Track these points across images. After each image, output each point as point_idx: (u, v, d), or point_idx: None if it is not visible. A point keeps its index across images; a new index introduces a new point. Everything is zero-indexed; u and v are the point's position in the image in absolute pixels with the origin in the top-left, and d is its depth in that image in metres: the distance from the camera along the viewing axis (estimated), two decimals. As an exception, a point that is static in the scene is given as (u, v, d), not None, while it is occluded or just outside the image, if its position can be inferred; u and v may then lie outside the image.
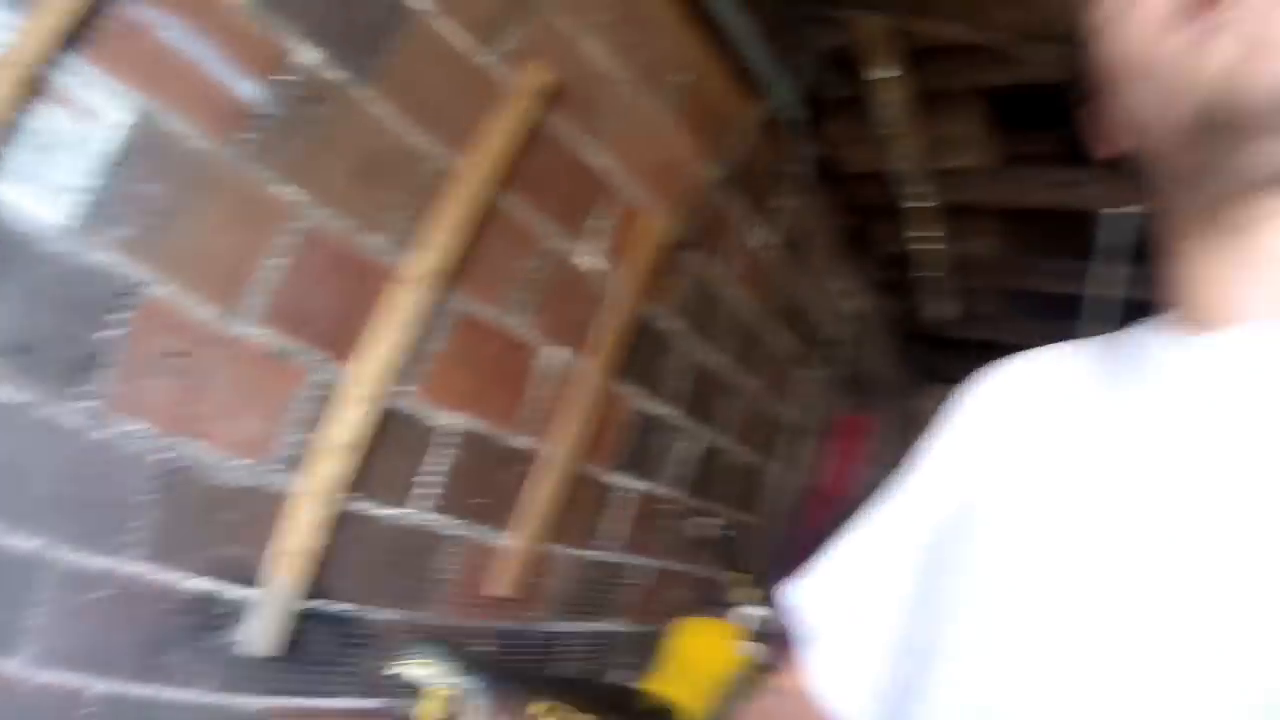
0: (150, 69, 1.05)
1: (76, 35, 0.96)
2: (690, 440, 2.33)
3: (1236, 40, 0.39)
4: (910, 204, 2.48)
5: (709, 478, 2.45)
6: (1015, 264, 2.86)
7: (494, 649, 1.74)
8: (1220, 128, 0.39)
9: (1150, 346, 0.48)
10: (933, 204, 2.47)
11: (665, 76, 1.89)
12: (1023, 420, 0.53)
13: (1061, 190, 2.18)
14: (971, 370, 0.62)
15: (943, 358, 3.71)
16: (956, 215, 2.58)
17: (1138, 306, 0.55)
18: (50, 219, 0.99)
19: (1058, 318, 2.28)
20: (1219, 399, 0.41)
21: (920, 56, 1.96)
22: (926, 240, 2.69)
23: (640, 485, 2.13)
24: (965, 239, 2.72)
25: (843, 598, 0.58)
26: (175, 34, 1.07)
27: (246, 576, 1.26)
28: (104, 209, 1.03)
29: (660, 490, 2.23)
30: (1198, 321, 0.45)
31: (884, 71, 1.96)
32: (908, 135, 2.13)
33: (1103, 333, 0.56)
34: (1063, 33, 1.80)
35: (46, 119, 0.97)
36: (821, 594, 0.60)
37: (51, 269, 1.00)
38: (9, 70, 0.91)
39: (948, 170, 2.29)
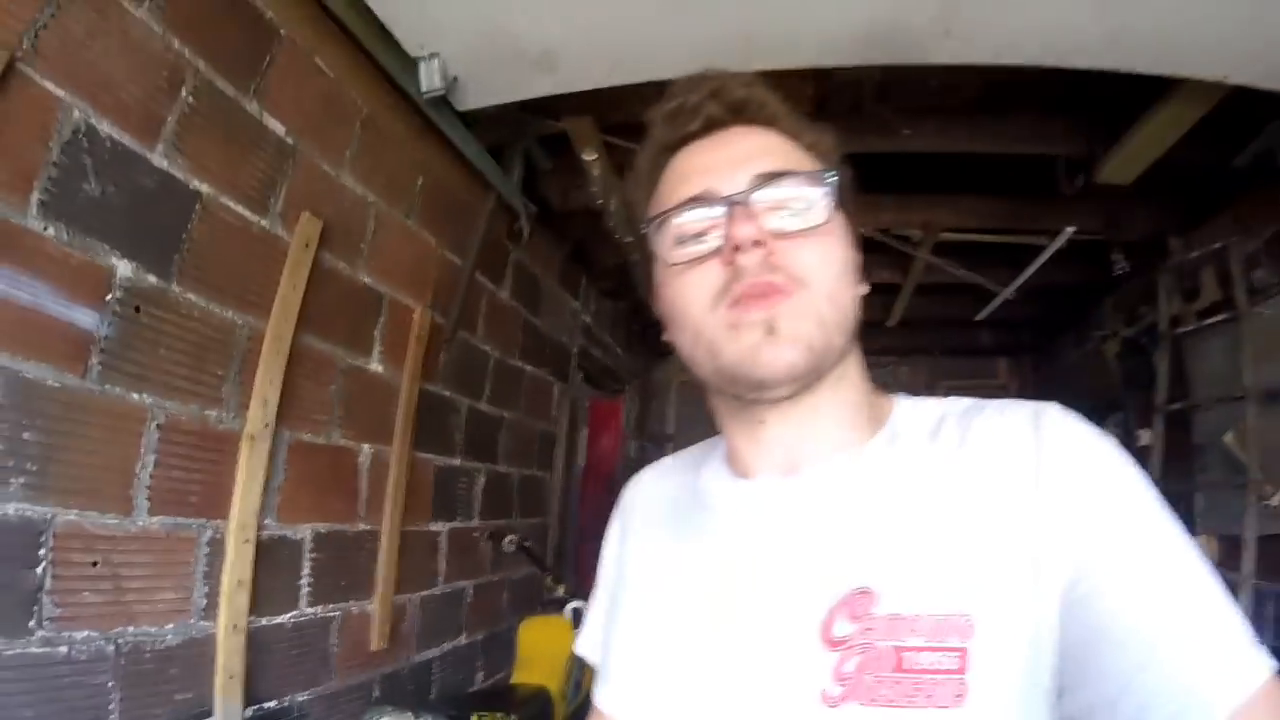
0: (-6, 327, 1.12)
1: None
2: (479, 476, 2.66)
3: (752, 334, 0.59)
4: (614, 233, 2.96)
5: (502, 500, 2.81)
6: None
7: (381, 691, 2.01)
8: (739, 381, 0.62)
9: (714, 478, 0.73)
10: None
11: (404, 186, 2.15)
12: (656, 523, 0.77)
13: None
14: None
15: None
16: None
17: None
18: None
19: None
20: (744, 519, 0.67)
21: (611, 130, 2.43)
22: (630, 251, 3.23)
23: (453, 524, 2.45)
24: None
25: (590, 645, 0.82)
26: (7, 283, 1.13)
27: (203, 710, 1.43)
28: (-4, 468, 1.11)
29: (470, 523, 2.56)
30: (737, 469, 0.70)
31: (589, 153, 2.42)
32: (609, 181, 2.60)
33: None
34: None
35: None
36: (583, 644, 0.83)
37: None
38: None
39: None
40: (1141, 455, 3.46)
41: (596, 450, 3.67)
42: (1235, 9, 1.63)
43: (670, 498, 0.77)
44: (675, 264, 0.64)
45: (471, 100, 1.98)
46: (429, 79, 1.84)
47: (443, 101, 1.97)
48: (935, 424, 0.65)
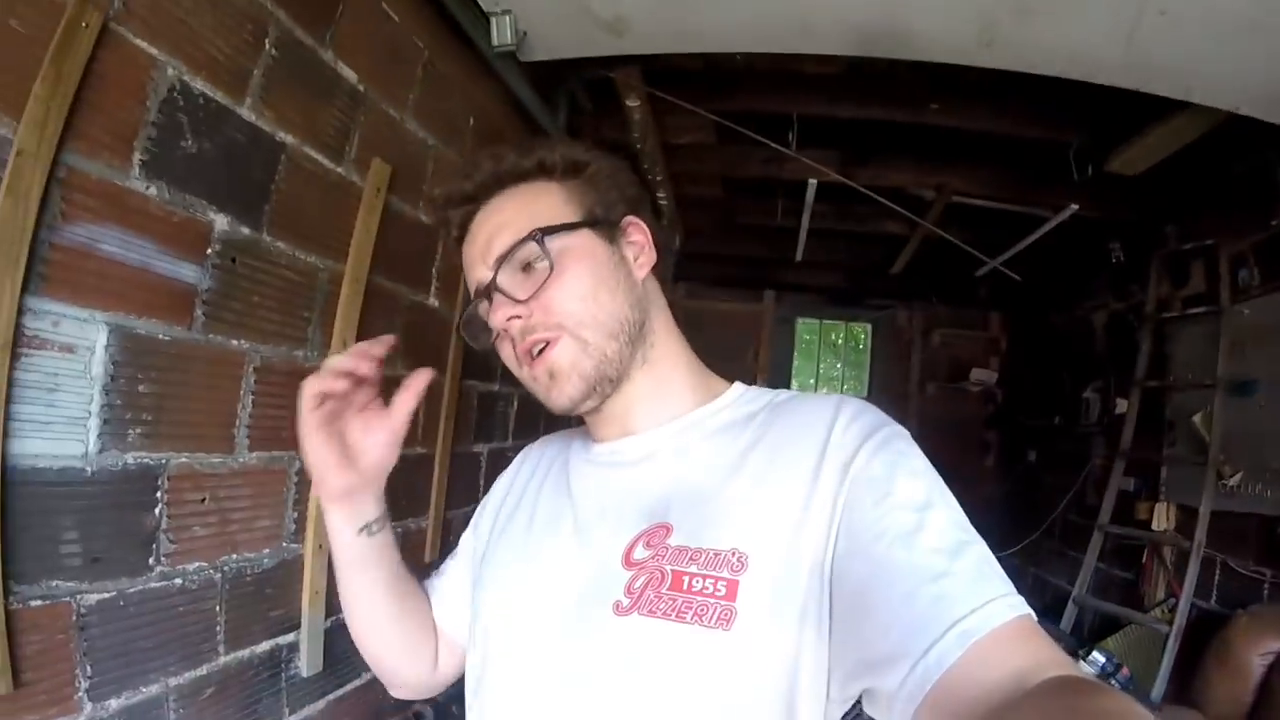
0: (105, 286, 1.09)
1: (30, 278, 0.96)
2: (514, 399, 2.69)
3: (542, 383, 0.72)
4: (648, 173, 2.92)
5: (532, 421, 2.85)
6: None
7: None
8: (557, 413, 0.75)
9: (580, 444, 0.84)
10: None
11: (458, 128, 2.07)
12: (540, 470, 0.87)
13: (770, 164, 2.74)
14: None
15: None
16: (678, 179, 3.08)
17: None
18: (78, 450, 1.06)
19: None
20: (602, 462, 0.78)
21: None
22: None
23: (491, 445, 2.50)
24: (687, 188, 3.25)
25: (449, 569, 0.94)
26: (115, 245, 1.10)
27: (292, 624, 1.50)
28: (115, 423, 1.11)
29: (505, 444, 2.62)
30: (595, 436, 0.80)
31: (632, 100, 2.34)
32: (648, 131, 2.53)
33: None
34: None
35: (37, 367, 0.99)
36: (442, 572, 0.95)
37: (92, 489, 1.08)
38: None
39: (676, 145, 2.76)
40: (1116, 422, 3.58)
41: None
42: (1250, 49, 1.66)
43: (551, 457, 0.88)
44: (488, 347, 0.78)
45: (538, 54, 1.90)
46: (501, 34, 1.75)
47: (510, 54, 1.87)
48: (757, 405, 0.74)
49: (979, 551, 0.55)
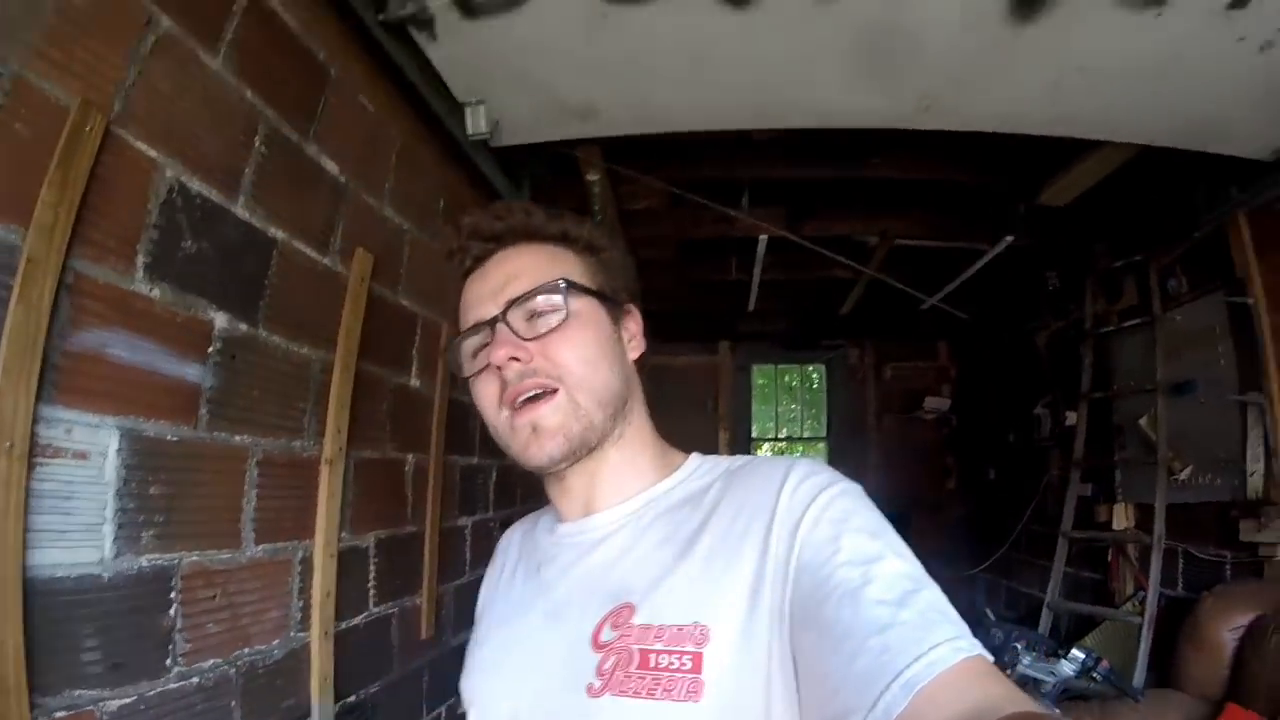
0: (115, 390, 1.06)
1: (42, 385, 0.94)
2: (492, 471, 2.67)
3: (523, 434, 0.71)
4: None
5: (509, 491, 2.82)
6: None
7: (430, 675, 2.03)
8: (524, 466, 0.73)
9: (545, 526, 0.84)
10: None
11: (430, 210, 2.10)
12: (513, 561, 0.87)
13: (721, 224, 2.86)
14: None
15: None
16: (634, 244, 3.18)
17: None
18: (94, 557, 1.02)
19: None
20: (565, 546, 0.77)
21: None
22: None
23: (475, 518, 2.46)
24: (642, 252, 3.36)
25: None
26: (123, 349, 1.08)
27: (303, 712, 1.44)
28: (129, 526, 1.07)
29: (487, 515, 2.57)
30: (560, 516, 0.80)
31: (592, 174, 2.43)
32: (607, 202, 2.60)
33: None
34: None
35: (52, 476, 0.96)
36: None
37: (110, 594, 1.04)
38: (3, 451, 0.88)
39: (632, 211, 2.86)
40: (1068, 434, 3.76)
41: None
42: (1159, 90, 1.85)
43: (520, 545, 0.88)
44: (469, 375, 0.75)
45: (507, 139, 1.97)
46: (475, 123, 1.82)
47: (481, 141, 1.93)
48: (712, 476, 0.75)
49: (926, 598, 0.54)
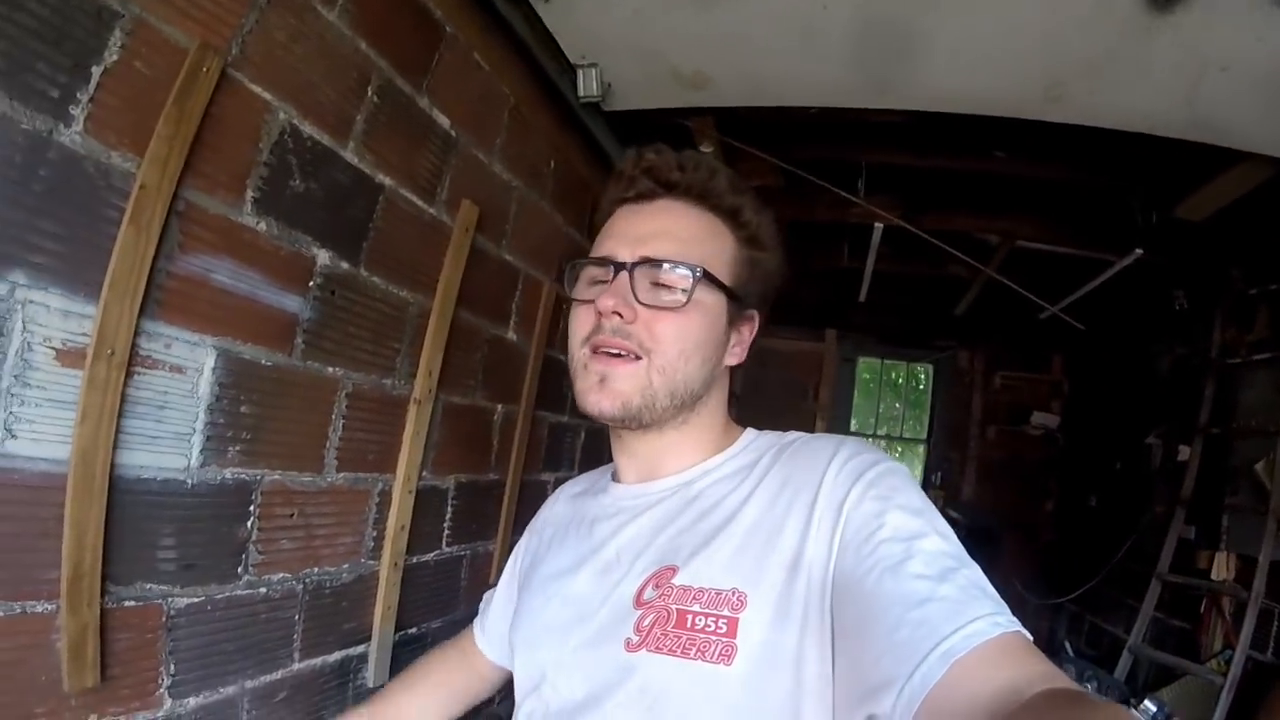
0: (215, 313, 1.10)
1: (146, 302, 0.97)
2: (581, 431, 2.64)
3: (591, 378, 0.71)
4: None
5: (597, 452, 2.77)
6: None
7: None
8: (578, 404, 0.74)
9: (602, 486, 0.85)
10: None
11: (540, 170, 2.08)
12: (563, 518, 0.89)
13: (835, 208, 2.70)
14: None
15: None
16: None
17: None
18: (180, 464, 1.06)
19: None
20: (620, 507, 0.78)
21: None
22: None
23: (558, 474, 2.45)
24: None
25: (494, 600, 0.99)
26: (226, 276, 1.12)
27: (363, 636, 1.48)
28: (216, 440, 1.11)
29: (573, 473, 2.56)
30: (618, 476, 0.83)
31: (706, 146, 2.33)
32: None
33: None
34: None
35: (148, 385, 1.00)
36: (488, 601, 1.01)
37: (191, 500, 1.08)
38: (104, 357, 0.91)
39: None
40: (1178, 469, 3.32)
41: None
42: None
43: (573, 504, 0.89)
44: (573, 299, 0.75)
45: (619, 104, 1.90)
46: (587, 86, 1.76)
47: (593, 104, 1.87)
48: (764, 449, 0.74)
49: (967, 575, 0.54)
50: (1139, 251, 2.74)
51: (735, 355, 0.78)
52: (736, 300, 0.75)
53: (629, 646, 0.64)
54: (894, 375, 5.68)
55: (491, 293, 1.89)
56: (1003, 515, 4.44)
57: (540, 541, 0.91)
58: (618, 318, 0.69)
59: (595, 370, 0.71)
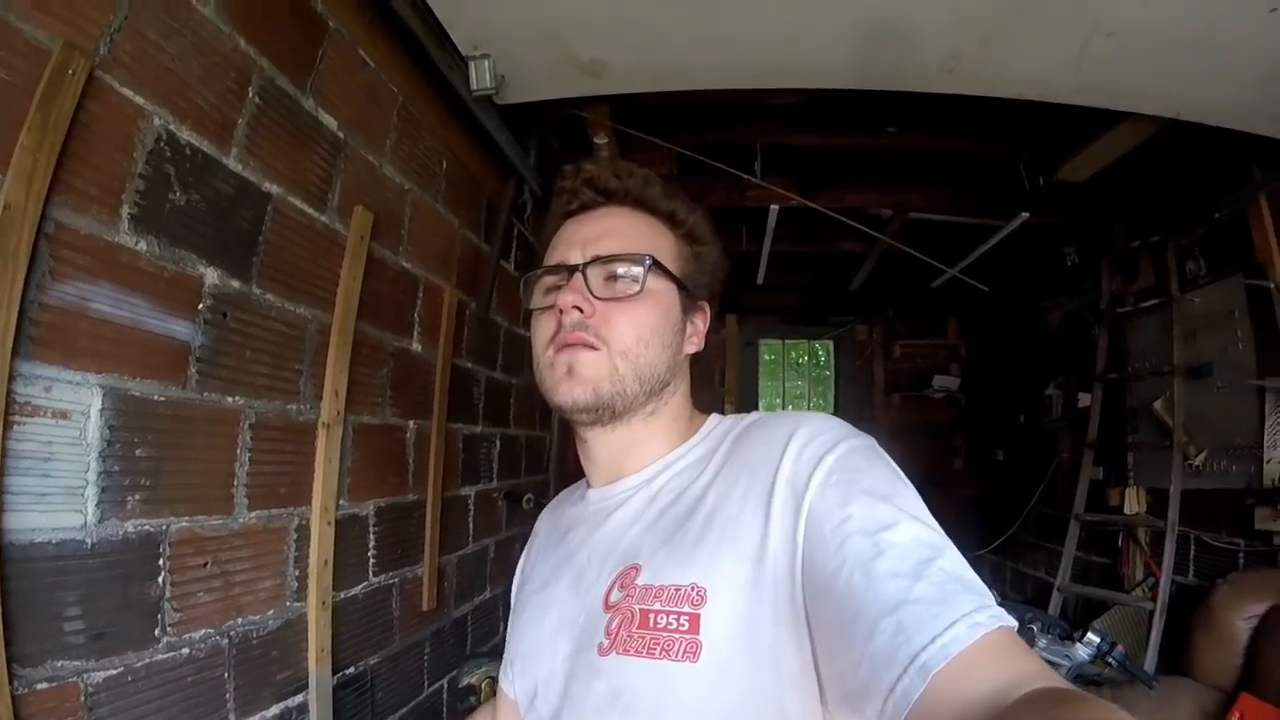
0: (97, 347, 1.01)
1: (19, 340, 0.88)
2: (496, 441, 2.60)
3: (559, 371, 0.72)
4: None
5: (512, 461, 2.76)
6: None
7: (431, 647, 2.00)
8: (551, 403, 0.75)
9: (577, 497, 0.86)
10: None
11: (432, 171, 2.02)
12: (546, 532, 0.90)
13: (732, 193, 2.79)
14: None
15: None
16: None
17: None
18: (76, 521, 0.97)
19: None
20: (590, 513, 0.79)
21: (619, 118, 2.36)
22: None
23: (478, 487, 2.40)
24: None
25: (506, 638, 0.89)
26: (106, 303, 1.02)
27: (300, 684, 1.40)
28: (113, 490, 1.02)
29: (490, 485, 2.52)
30: (588, 483, 0.83)
31: (600, 137, 2.34)
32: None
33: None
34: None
35: (30, 436, 0.90)
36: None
37: (93, 561, 0.99)
38: None
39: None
40: (1080, 415, 3.68)
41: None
42: (1188, 62, 1.75)
43: (556, 516, 0.90)
44: (534, 309, 0.78)
45: (514, 96, 1.88)
46: (480, 78, 1.72)
47: (485, 97, 1.84)
48: (723, 435, 0.75)
49: (943, 567, 0.52)
50: (1025, 215, 3.01)
51: (693, 344, 0.81)
52: (685, 290, 0.78)
53: (601, 651, 0.65)
54: (795, 355, 5.97)
55: (392, 303, 1.83)
56: (915, 477, 4.64)
57: (528, 560, 0.92)
58: (577, 312, 0.71)
59: (561, 361, 0.72)
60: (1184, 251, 3.04)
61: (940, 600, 0.49)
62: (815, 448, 0.63)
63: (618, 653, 0.63)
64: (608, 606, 0.67)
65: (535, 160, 2.45)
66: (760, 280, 4.11)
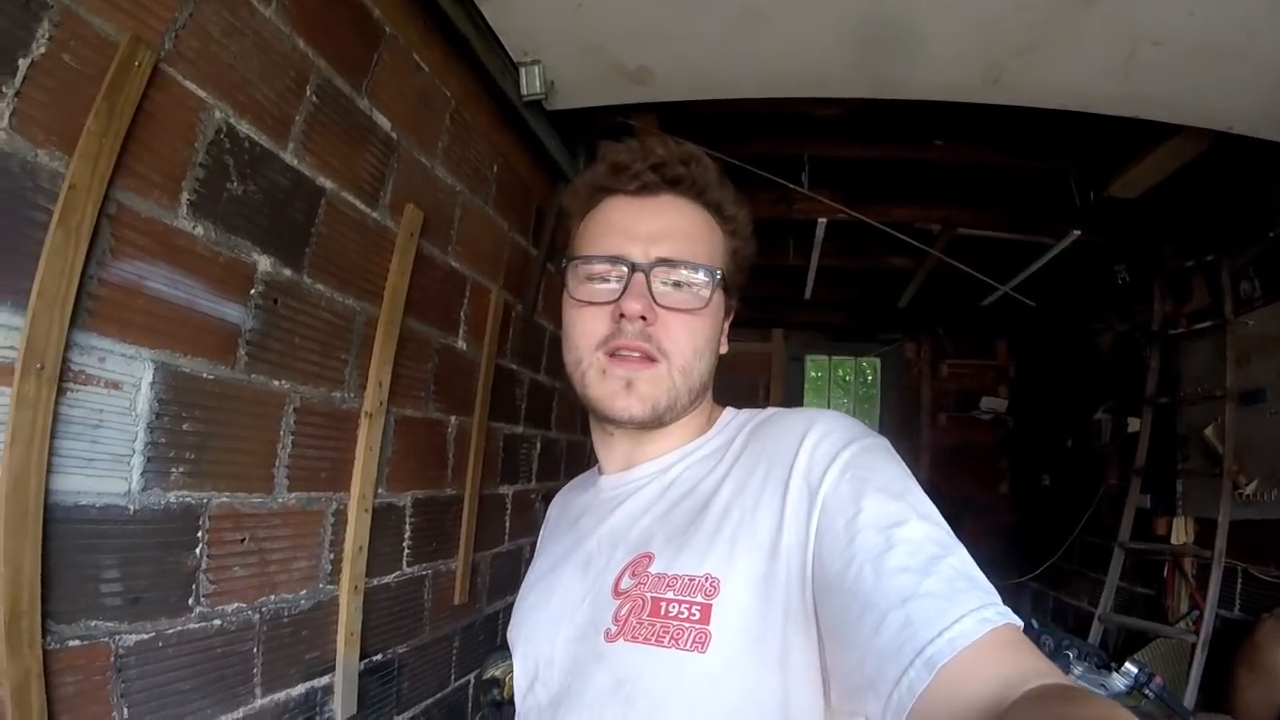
0: (151, 324, 1.05)
1: (77, 312, 0.92)
2: (536, 442, 2.63)
3: (615, 384, 0.69)
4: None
5: (552, 464, 2.78)
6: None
7: (460, 642, 2.01)
8: (596, 411, 0.73)
9: (589, 481, 0.86)
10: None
11: (483, 175, 2.07)
12: (557, 517, 0.91)
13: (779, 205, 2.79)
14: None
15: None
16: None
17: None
18: (121, 488, 1.00)
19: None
20: (602, 500, 0.79)
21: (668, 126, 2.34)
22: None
23: (516, 487, 2.43)
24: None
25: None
26: (162, 283, 1.06)
27: (327, 666, 1.42)
28: (158, 460, 1.06)
29: (529, 485, 2.54)
30: (601, 469, 0.82)
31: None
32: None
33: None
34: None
35: (82, 403, 0.95)
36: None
37: (133, 527, 1.02)
38: (33, 372, 0.86)
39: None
40: (1129, 441, 3.51)
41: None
42: (1238, 72, 1.68)
43: (567, 502, 0.91)
44: (577, 299, 0.72)
45: (562, 102, 1.92)
46: (530, 84, 1.77)
47: (535, 103, 1.88)
48: (739, 428, 0.75)
49: (952, 564, 0.51)
50: (1077, 233, 2.91)
51: (724, 345, 0.80)
52: (729, 294, 0.77)
53: (608, 637, 0.64)
54: (841, 372, 5.87)
55: (439, 300, 1.87)
56: (959, 500, 4.57)
57: (541, 544, 0.92)
58: (641, 322, 0.68)
59: (618, 375, 0.69)
60: (1238, 272, 2.89)
61: (948, 596, 0.48)
62: (830, 443, 0.63)
63: (625, 640, 0.62)
64: (617, 593, 0.66)
65: (584, 167, 2.48)
66: (808, 295, 4.04)
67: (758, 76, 1.81)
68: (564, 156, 2.30)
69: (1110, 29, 1.57)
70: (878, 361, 5.50)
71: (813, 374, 5.56)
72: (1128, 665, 1.93)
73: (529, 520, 2.54)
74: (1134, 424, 3.49)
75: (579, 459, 3.07)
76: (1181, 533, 3.11)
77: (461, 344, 1.99)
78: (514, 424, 2.38)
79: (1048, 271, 3.44)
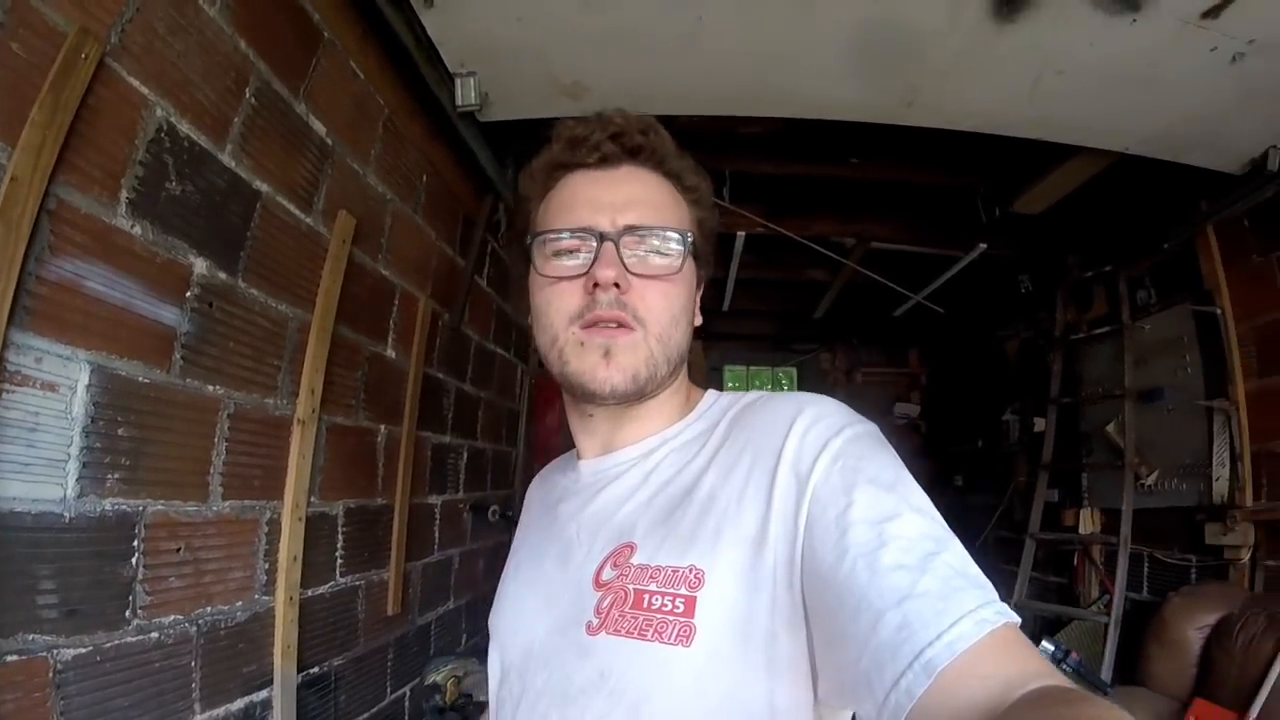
0: (88, 324, 1.02)
1: (15, 310, 0.90)
2: (463, 452, 2.61)
3: (594, 355, 0.67)
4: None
5: (479, 474, 2.77)
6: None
7: (394, 653, 1.98)
8: (576, 388, 0.69)
9: (567, 465, 0.83)
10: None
11: (413, 184, 2.07)
12: (536, 501, 0.88)
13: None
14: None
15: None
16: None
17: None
18: (56, 494, 0.97)
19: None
20: (581, 485, 0.77)
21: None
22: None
23: (445, 497, 2.41)
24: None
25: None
26: (100, 282, 1.04)
27: (265, 679, 1.39)
28: (94, 466, 1.03)
29: (457, 496, 2.52)
30: (579, 454, 0.79)
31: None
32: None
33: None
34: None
35: (18, 405, 0.92)
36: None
37: (69, 536, 0.99)
38: None
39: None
40: (1036, 440, 3.83)
41: (542, 426, 3.51)
42: (1135, 98, 1.90)
43: (544, 489, 0.88)
44: (546, 275, 0.69)
45: (496, 114, 1.95)
46: (465, 94, 1.80)
47: (468, 114, 1.91)
48: (722, 412, 0.73)
49: (948, 560, 0.51)
50: (984, 246, 3.17)
51: (698, 317, 0.77)
52: (700, 262, 0.75)
53: (590, 630, 0.62)
54: (759, 382, 6.07)
55: (369, 308, 1.86)
56: None
57: (520, 529, 0.89)
58: (615, 289, 0.66)
59: (597, 343, 0.66)
60: (1135, 281, 3.23)
61: (945, 595, 0.47)
62: (820, 431, 0.61)
63: (607, 633, 0.61)
64: (599, 584, 0.64)
65: (512, 179, 2.52)
66: (726, 307, 4.20)
67: (691, 95, 1.91)
68: (493, 168, 2.33)
69: (1018, 58, 1.73)
70: (794, 371, 5.74)
71: (731, 385, 5.73)
72: (1045, 643, 2.11)
73: (458, 530, 2.53)
74: (1040, 424, 3.80)
75: (505, 469, 3.07)
76: (1089, 522, 3.40)
77: (391, 352, 1.98)
78: (441, 433, 2.37)
79: (957, 282, 3.70)
